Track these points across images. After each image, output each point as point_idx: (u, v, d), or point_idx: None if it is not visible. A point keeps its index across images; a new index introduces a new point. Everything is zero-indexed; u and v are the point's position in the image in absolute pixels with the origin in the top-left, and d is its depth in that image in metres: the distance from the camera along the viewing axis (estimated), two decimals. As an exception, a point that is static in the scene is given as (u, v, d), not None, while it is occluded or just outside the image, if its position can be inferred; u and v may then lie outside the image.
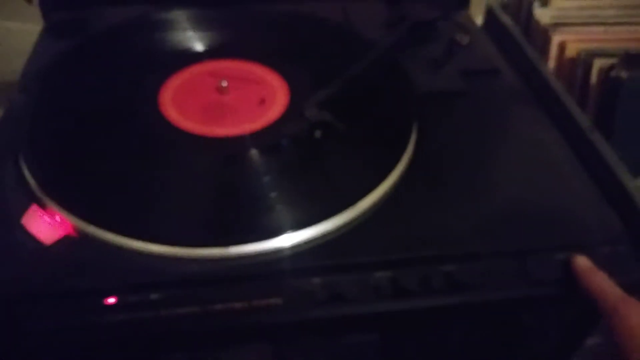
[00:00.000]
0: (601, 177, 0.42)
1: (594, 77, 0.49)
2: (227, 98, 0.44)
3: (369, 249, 0.35)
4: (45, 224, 0.35)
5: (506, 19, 0.60)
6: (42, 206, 0.36)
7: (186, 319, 0.32)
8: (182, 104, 0.43)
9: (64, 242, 0.34)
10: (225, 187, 0.38)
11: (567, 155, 0.43)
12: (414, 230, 0.36)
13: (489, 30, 0.60)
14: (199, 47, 0.50)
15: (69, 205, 0.35)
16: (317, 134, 0.40)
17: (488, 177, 0.41)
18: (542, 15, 0.55)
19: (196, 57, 0.48)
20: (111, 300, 0.32)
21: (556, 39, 0.52)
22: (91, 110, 0.43)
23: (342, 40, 0.53)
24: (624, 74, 0.47)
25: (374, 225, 0.36)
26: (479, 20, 0.62)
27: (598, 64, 0.49)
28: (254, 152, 0.40)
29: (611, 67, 0.48)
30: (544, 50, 0.54)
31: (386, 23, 0.55)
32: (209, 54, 0.49)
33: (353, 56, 0.49)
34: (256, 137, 0.41)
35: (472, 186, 0.40)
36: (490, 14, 0.62)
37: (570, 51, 0.51)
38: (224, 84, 0.44)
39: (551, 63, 0.53)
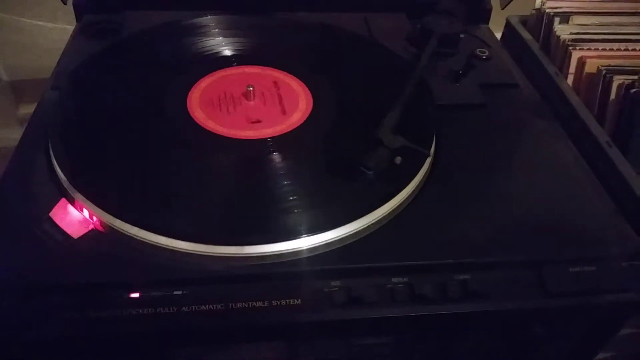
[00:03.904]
0: (618, 191, 0.42)
1: (613, 94, 0.49)
2: (252, 103, 0.45)
3: (387, 254, 0.36)
4: (73, 218, 0.36)
5: (526, 34, 0.60)
6: (71, 200, 0.37)
7: (207, 316, 0.32)
8: (209, 106, 0.44)
9: (90, 236, 0.35)
10: (249, 188, 0.39)
11: (584, 169, 0.44)
12: (430, 238, 0.37)
13: (508, 45, 0.61)
14: (227, 52, 0.51)
15: (97, 199, 0.36)
16: (398, 160, 0.39)
17: (505, 188, 0.42)
18: (562, 31, 0.55)
19: (224, 62, 0.49)
20: (135, 294, 0.32)
21: (576, 54, 0.53)
22: (121, 109, 0.44)
23: (368, 52, 0.54)
24: (643, 92, 0.47)
25: (392, 231, 0.37)
26: (498, 34, 0.63)
27: (618, 80, 0.49)
28: (276, 156, 0.41)
29: (631, 85, 0.48)
30: (563, 66, 0.54)
31: (407, 35, 0.56)
32: (237, 60, 0.50)
33: (378, 68, 0.50)
34: (279, 141, 0.42)
35: (489, 196, 0.40)
36: (509, 28, 0.63)
37: (590, 67, 0.51)
38: (250, 88, 0.45)
39: (570, 79, 0.54)
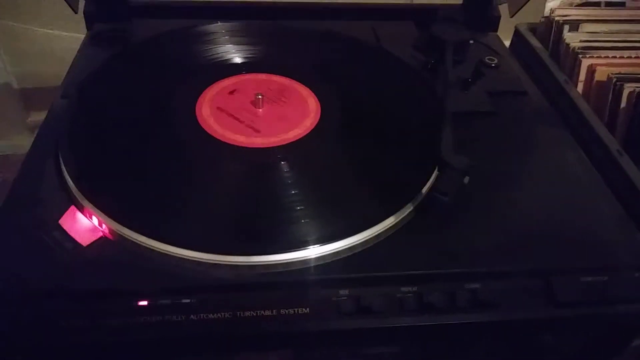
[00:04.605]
0: (630, 200, 0.42)
1: (623, 102, 0.49)
2: (261, 111, 0.45)
3: (395, 263, 0.35)
4: (82, 225, 0.36)
5: (535, 42, 0.60)
6: (80, 208, 0.37)
7: (215, 324, 0.32)
8: (218, 114, 0.44)
9: (99, 244, 0.35)
10: (257, 197, 0.39)
11: (595, 177, 0.43)
12: (439, 247, 0.37)
13: (517, 53, 0.61)
14: (236, 60, 0.51)
15: (106, 208, 0.36)
16: (466, 179, 0.39)
17: (514, 196, 0.41)
18: (572, 38, 0.55)
19: (233, 70, 0.50)
20: (143, 302, 0.33)
21: (585, 62, 0.53)
22: (130, 118, 0.45)
23: (375, 60, 0.54)
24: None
25: (400, 240, 0.37)
26: (507, 42, 0.63)
27: (628, 88, 0.48)
28: (284, 164, 0.41)
29: (641, 92, 0.48)
30: (572, 73, 0.54)
31: (415, 43, 0.56)
32: (246, 67, 0.50)
33: (386, 76, 0.49)
34: (287, 150, 0.42)
35: (498, 205, 0.40)
36: (518, 36, 0.63)
37: (600, 75, 0.51)
38: (260, 96, 0.45)
39: (580, 87, 0.53)
